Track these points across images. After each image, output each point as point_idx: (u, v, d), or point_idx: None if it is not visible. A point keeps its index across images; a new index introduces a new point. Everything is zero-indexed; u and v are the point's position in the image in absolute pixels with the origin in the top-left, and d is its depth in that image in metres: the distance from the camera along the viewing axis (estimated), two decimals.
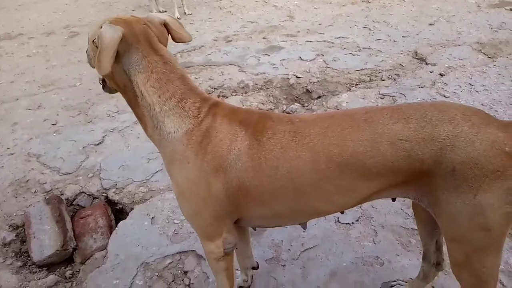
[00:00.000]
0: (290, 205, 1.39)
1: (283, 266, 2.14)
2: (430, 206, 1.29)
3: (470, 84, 3.72)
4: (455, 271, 1.37)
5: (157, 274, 2.14)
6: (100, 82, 1.53)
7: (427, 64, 4.22)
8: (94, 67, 1.37)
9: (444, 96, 3.57)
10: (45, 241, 2.37)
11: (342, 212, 1.54)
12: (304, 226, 1.60)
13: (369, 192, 1.33)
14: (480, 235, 1.22)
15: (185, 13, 6.29)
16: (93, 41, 1.35)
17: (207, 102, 1.42)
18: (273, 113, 1.54)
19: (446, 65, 4.10)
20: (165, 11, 6.39)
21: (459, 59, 4.20)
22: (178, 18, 6.04)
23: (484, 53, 4.31)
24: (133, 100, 1.41)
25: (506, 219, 1.19)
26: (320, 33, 5.25)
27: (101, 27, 1.29)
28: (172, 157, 1.40)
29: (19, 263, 2.38)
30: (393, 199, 1.50)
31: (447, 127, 1.19)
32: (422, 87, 3.78)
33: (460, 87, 3.69)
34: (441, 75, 3.93)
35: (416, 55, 4.44)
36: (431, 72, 4.02)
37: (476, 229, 1.21)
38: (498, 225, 1.19)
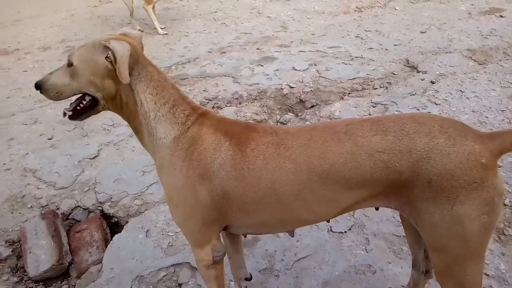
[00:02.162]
0: (274, 214, 1.43)
1: (276, 276, 2.16)
2: (411, 216, 1.32)
3: (461, 91, 3.76)
4: (439, 279, 1.39)
5: (151, 287, 2.16)
6: (68, 111, 1.53)
7: (418, 72, 4.27)
8: (56, 95, 1.47)
9: (435, 104, 3.61)
10: (41, 256, 2.39)
11: (328, 221, 1.57)
12: (291, 233, 1.63)
13: (350, 202, 1.37)
14: (459, 244, 1.24)
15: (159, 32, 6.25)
16: (89, 60, 1.43)
17: (196, 111, 1.49)
18: (259, 124, 1.58)
19: (437, 73, 4.15)
20: (142, 30, 6.32)
21: (450, 66, 4.26)
22: (165, 33, 6.10)
23: (475, 60, 4.37)
24: (133, 110, 1.48)
25: (484, 229, 1.22)
26: (313, 43, 5.31)
27: (108, 44, 1.38)
28: (161, 163, 1.47)
29: (15, 279, 2.40)
30: (376, 208, 1.54)
31: (423, 139, 1.22)
32: (413, 95, 3.82)
33: (451, 94, 3.73)
34: (432, 82, 3.98)
35: (408, 63, 4.49)
36: (422, 80, 4.06)
37: (455, 239, 1.24)
38: (476, 234, 1.22)
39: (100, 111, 1.54)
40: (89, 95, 1.47)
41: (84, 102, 1.50)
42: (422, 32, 5.28)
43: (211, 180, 1.38)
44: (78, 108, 1.52)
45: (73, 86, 1.46)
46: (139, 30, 6.30)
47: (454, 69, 4.19)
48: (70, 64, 1.44)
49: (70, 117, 1.54)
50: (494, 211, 1.21)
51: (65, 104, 1.61)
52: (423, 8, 6.27)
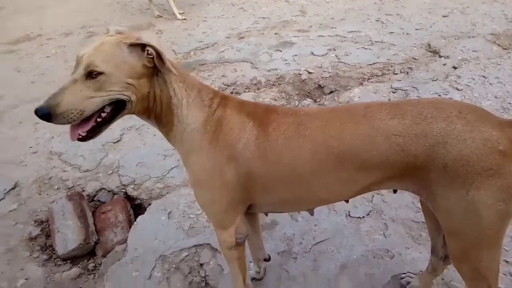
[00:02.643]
0: (294, 192, 1.47)
1: (294, 259, 2.21)
2: (428, 200, 1.34)
3: (484, 76, 3.69)
4: (455, 263, 1.41)
5: (174, 266, 2.24)
6: (82, 132, 1.36)
7: (440, 57, 4.19)
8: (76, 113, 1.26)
9: (457, 89, 3.56)
10: (69, 235, 2.49)
11: (347, 201, 1.60)
12: (311, 212, 1.68)
13: (367, 183, 1.40)
14: (474, 230, 1.25)
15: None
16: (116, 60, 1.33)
17: (217, 94, 1.53)
18: (278, 106, 1.61)
19: (460, 58, 4.07)
20: (161, 16, 6.41)
21: (473, 51, 4.17)
22: (184, 18, 6.12)
23: (499, 45, 4.26)
24: (166, 102, 1.44)
25: (500, 216, 1.22)
26: (332, 27, 5.25)
27: (139, 41, 1.33)
28: (190, 148, 1.48)
29: (45, 256, 2.50)
30: (394, 191, 1.56)
31: (440, 124, 1.23)
32: (435, 80, 3.77)
33: (474, 79, 3.67)
34: (455, 67, 3.92)
35: (429, 47, 4.41)
36: (444, 65, 4.00)
37: (470, 225, 1.25)
38: (491, 221, 1.22)
39: (116, 119, 1.43)
40: (114, 103, 1.36)
41: (103, 114, 1.37)
42: (444, 16, 5.17)
43: (237, 160, 1.42)
44: (94, 124, 1.37)
45: (102, 98, 1.31)
46: (157, 15, 6.34)
47: (477, 54, 4.10)
48: (92, 75, 1.29)
49: (85, 138, 1.38)
50: (511, 199, 1.21)
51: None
52: None
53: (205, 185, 1.49)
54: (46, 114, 1.26)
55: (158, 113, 1.47)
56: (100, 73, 1.28)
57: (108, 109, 1.37)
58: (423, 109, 1.29)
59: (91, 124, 1.36)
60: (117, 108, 1.39)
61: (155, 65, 1.37)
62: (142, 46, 1.34)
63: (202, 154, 1.45)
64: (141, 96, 1.39)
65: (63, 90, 1.29)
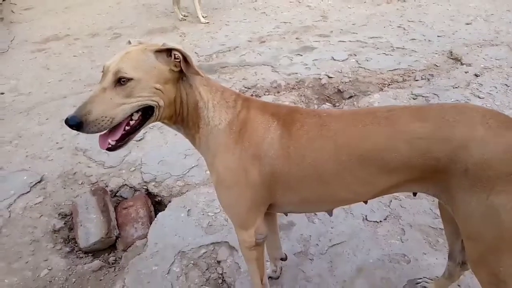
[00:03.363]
0: (315, 191, 1.50)
1: (311, 260, 2.23)
2: (448, 203, 1.35)
3: (506, 85, 3.66)
4: (473, 268, 1.42)
5: (192, 262, 2.29)
6: (112, 141, 1.38)
7: (462, 64, 4.17)
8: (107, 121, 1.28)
9: (479, 97, 3.53)
10: (91, 229, 2.57)
11: (366, 202, 1.62)
12: (330, 213, 1.70)
13: (387, 185, 1.42)
14: (493, 234, 1.26)
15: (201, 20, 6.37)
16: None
17: (240, 96, 1.57)
18: (301, 107, 1.64)
19: (482, 66, 4.04)
20: (185, 19, 6.56)
21: (496, 59, 4.13)
22: (207, 22, 6.22)
23: None
24: (192, 106, 1.48)
25: None
26: (354, 33, 5.27)
27: (165, 47, 1.38)
28: (216, 149, 1.52)
29: (67, 249, 2.59)
30: (414, 194, 1.58)
31: (463, 128, 1.25)
32: (456, 87, 3.75)
33: (496, 88, 3.64)
34: (476, 75, 3.89)
35: (451, 55, 4.39)
36: (466, 73, 3.97)
37: (490, 229, 1.25)
38: (511, 226, 1.22)
39: (144, 127, 1.45)
40: (142, 110, 1.39)
41: (131, 122, 1.39)
42: (467, 24, 5.13)
43: (261, 159, 1.46)
44: (124, 132, 1.39)
45: (131, 105, 1.33)
46: (182, 18, 6.46)
47: (500, 62, 4.06)
48: (121, 82, 1.31)
49: (114, 147, 1.39)
50: None
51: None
52: None
53: (229, 185, 1.52)
54: (78, 123, 1.27)
55: (184, 116, 1.50)
56: (129, 80, 1.31)
57: (136, 117, 1.39)
58: (446, 113, 1.30)
59: (120, 132, 1.38)
60: (145, 115, 1.42)
61: (180, 70, 1.41)
62: (168, 52, 1.39)
63: (228, 154, 1.49)
64: (168, 101, 1.42)
65: (93, 98, 1.31)
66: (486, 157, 1.20)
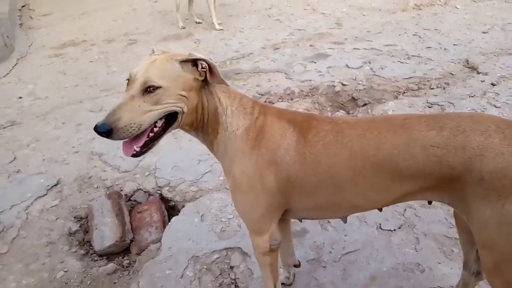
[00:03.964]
0: (330, 197, 1.51)
1: (324, 267, 2.23)
2: (463, 212, 1.35)
3: None
4: (488, 277, 1.41)
5: (205, 267, 2.30)
6: (137, 147, 1.42)
7: (478, 73, 4.13)
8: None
9: (495, 106, 3.50)
10: (106, 232, 2.60)
11: (380, 210, 1.63)
12: (344, 220, 1.71)
13: (402, 193, 1.42)
14: (508, 244, 1.25)
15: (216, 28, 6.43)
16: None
17: (257, 103, 1.60)
18: (317, 114, 1.65)
19: (499, 75, 4.00)
20: (201, 22, 6.67)
21: None
22: (221, 29, 6.29)
23: None
24: (212, 112, 1.52)
25: None
26: (368, 40, 5.26)
27: (192, 57, 1.42)
28: (234, 155, 1.54)
29: (83, 251, 2.63)
30: (429, 202, 1.58)
31: (478, 137, 1.25)
32: (472, 96, 3.72)
33: None
34: (493, 84, 3.85)
35: (467, 63, 4.36)
36: (482, 82, 3.94)
37: (505, 238, 1.25)
38: None
39: (166, 134, 1.49)
40: (166, 116, 1.43)
41: (155, 129, 1.44)
42: (484, 32, 5.09)
43: (277, 165, 1.48)
44: (147, 139, 1.43)
45: (158, 111, 1.37)
46: (197, 21, 6.57)
47: None
48: (150, 90, 1.36)
49: (139, 154, 1.43)
50: None
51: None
52: (486, 7, 6.01)
53: (245, 190, 1.54)
54: (108, 130, 1.31)
55: (204, 123, 1.54)
56: (157, 88, 1.36)
57: (160, 123, 1.43)
58: (462, 122, 1.31)
59: (144, 139, 1.42)
60: (168, 122, 1.46)
61: (204, 78, 1.46)
62: (193, 61, 1.43)
63: (245, 159, 1.51)
64: (191, 107, 1.45)
65: (121, 106, 1.35)
66: (501, 166, 1.20)
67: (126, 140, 1.40)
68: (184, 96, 1.41)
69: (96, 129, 1.31)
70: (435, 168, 1.30)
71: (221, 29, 6.28)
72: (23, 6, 8.28)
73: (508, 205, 1.20)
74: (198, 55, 1.44)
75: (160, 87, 1.36)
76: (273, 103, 4.09)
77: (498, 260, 1.32)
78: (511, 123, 1.31)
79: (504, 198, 1.21)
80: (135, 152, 1.42)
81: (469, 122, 1.30)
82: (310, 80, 4.36)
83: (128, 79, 1.42)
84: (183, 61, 1.43)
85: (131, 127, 1.34)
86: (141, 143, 1.41)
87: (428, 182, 1.35)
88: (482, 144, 1.24)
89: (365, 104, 3.91)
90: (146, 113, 1.35)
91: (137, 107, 1.35)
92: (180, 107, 1.42)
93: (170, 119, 1.45)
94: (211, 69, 1.43)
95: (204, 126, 1.55)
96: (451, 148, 1.28)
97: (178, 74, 1.41)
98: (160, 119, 1.42)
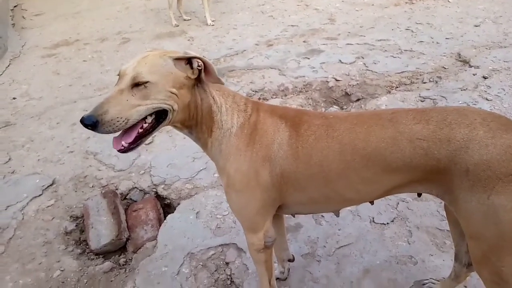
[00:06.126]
0: (322, 191, 1.53)
1: (318, 261, 2.25)
2: (451, 204, 1.38)
3: None
4: (476, 268, 1.44)
5: (201, 263, 2.32)
6: (126, 143, 1.41)
7: (470, 66, 4.16)
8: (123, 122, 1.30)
9: (487, 99, 3.53)
10: (102, 231, 2.62)
11: (372, 203, 1.66)
12: (337, 214, 1.74)
13: (391, 185, 1.45)
14: (495, 234, 1.28)
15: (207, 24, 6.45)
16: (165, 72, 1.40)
17: (249, 100, 1.62)
18: (308, 109, 1.67)
19: (490, 68, 4.03)
20: (190, 19, 6.72)
21: (504, 61, 4.11)
22: (212, 24, 6.31)
23: None
24: (206, 110, 1.52)
25: None
26: (361, 35, 5.28)
27: (187, 55, 1.42)
28: (228, 152, 1.55)
29: (79, 250, 2.64)
30: (419, 195, 1.61)
31: (463, 130, 1.28)
32: (464, 90, 3.75)
33: (504, 90, 3.63)
34: (485, 77, 3.88)
35: (460, 57, 4.38)
36: (474, 75, 3.97)
37: (491, 228, 1.27)
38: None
39: (156, 131, 1.48)
40: (156, 113, 1.42)
41: (145, 125, 1.42)
42: (476, 26, 5.11)
43: (271, 160, 1.51)
44: (137, 135, 1.41)
45: (146, 106, 1.36)
46: (185, 19, 6.60)
47: (508, 65, 4.05)
48: (138, 84, 1.35)
49: (127, 150, 1.41)
50: None
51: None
52: (478, 0, 6.04)
53: (240, 187, 1.55)
54: (94, 122, 1.30)
55: (198, 121, 1.53)
56: (146, 82, 1.35)
57: (149, 120, 1.42)
58: (448, 115, 1.34)
59: (134, 135, 1.40)
60: (158, 119, 1.44)
61: (197, 77, 1.46)
62: (187, 60, 1.43)
63: (239, 157, 1.53)
64: (182, 105, 1.44)
65: (109, 99, 1.33)
66: (485, 158, 1.23)
67: (116, 135, 1.40)
68: (174, 94, 1.40)
69: (82, 121, 1.30)
70: (422, 161, 1.33)
71: (213, 24, 6.31)
72: (15, 6, 8.24)
73: (493, 196, 1.23)
74: (193, 53, 1.44)
75: (148, 81, 1.35)
76: (267, 99, 4.10)
77: (485, 251, 1.34)
78: (496, 115, 1.33)
79: (489, 189, 1.23)
80: (123, 147, 1.40)
81: (455, 115, 1.33)
82: (304, 76, 4.38)
83: (118, 74, 1.42)
84: (177, 59, 1.42)
85: (118, 121, 1.32)
86: (131, 139, 1.40)
87: (416, 175, 1.38)
88: (467, 137, 1.27)
89: (358, 99, 3.93)
90: (134, 108, 1.34)
91: (125, 101, 1.33)
92: (170, 105, 1.40)
93: (160, 116, 1.44)
94: (206, 67, 1.43)
95: (198, 124, 1.54)
96: (437, 140, 1.31)
97: (169, 71, 1.39)
98: (150, 115, 1.41)
